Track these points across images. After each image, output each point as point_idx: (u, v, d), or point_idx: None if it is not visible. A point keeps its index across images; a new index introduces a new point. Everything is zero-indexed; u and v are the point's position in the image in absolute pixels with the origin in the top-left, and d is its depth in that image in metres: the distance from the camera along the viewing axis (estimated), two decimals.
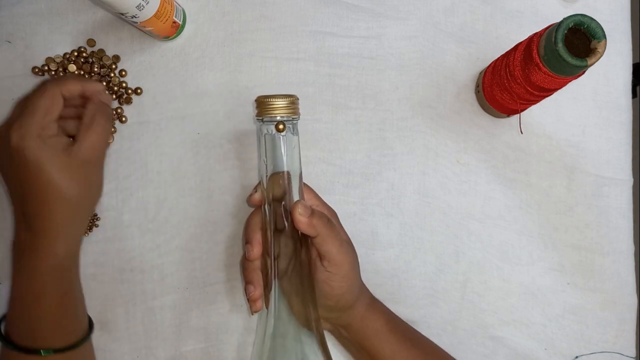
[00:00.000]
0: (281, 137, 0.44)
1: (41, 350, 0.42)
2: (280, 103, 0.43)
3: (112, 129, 0.53)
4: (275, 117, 0.43)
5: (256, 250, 0.45)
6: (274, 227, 0.45)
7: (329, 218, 0.45)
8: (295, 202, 0.44)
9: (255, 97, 0.44)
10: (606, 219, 0.56)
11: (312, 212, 0.43)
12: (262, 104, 0.44)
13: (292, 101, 0.44)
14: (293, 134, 0.45)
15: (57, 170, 0.40)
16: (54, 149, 0.40)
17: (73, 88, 0.42)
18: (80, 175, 0.41)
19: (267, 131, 0.44)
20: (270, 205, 0.45)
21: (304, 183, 0.47)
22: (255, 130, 0.55)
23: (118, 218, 0.54)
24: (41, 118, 0.40)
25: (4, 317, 0.44)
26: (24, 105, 0.41)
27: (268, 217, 0.45)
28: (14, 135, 0.39)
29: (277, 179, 0.45)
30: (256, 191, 0.46)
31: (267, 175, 0.45)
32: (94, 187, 0.44)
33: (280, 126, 0.43)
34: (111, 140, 0.54)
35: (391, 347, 0.47)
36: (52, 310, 0.42)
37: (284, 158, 0.44)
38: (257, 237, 0.46)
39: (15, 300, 0.43)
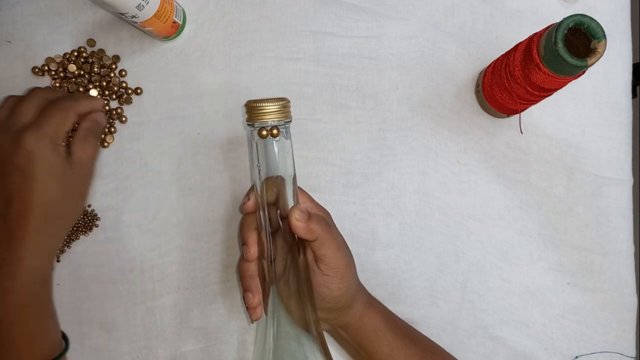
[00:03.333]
0: (274, 141, 0.43)
1: None
2: (271, 107, 0.41)
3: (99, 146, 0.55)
4: (267, 122, 0.41)
5: (253, 250, 0.45)
6: (269, 232, 0.44)
7: (327, 221, 0.45)
8: (292, 207, 0.43)
9: (247, 100, 0.43)
10: (606, 219, 0.56)
11: (310, 217, 0.43)
12: (253, 109, 0.42)
13: (284, 105, 0.42)
14: (286, 137, 0.43)
15: (56, 177, 0.42)
16: (60, 157, 0.42)
17: (85, 107, 0.45)
18: (71, 185, 0.43)
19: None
20: (264, 211, 0.44)
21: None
22: None
23: (118, 218, 0.54)
24: (58, 127, 0.42)
25: None
26: (42, 114, 0.42)
27: (263, 223, 0.44)
28: (29, 137, 0.40)
29: (271, 183, 0.44)
30: (249, 198, 0.46)
31: (260, 180, 0.44)
32: (80, 200, 0.46)
33: (274, 131, 0.42)
34: (111, 141, 0.55)
35: (390, 344, 0.47)
36: (24, 330, 0.41)
37: (278, 162, 0.43)
38: (252, 237, 0.45)
39: None
